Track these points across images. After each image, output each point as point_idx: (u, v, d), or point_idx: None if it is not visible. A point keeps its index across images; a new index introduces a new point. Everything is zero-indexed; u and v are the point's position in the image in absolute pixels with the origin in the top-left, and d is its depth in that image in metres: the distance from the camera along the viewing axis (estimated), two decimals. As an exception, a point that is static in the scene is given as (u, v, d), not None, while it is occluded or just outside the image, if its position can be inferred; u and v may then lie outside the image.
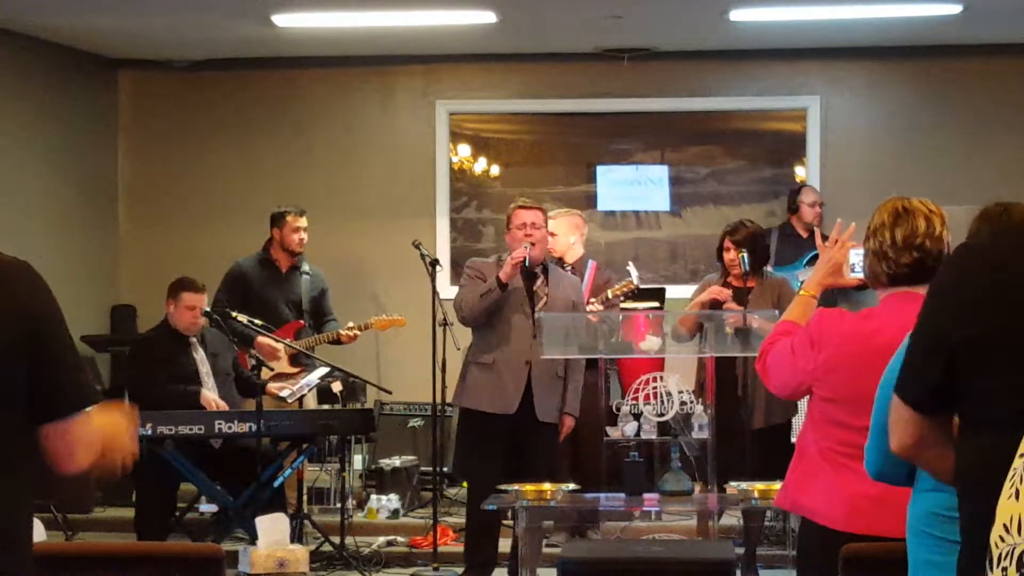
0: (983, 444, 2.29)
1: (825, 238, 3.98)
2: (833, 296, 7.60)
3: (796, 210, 9.24)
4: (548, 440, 6.91)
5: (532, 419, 6.80)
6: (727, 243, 7.26)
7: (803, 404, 8.01)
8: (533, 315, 6.83)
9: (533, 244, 6.85)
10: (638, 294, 7.65)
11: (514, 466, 6.76)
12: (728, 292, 7.00)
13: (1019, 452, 1.89)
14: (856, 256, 3.81)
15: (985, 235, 3.05)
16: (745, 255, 7.40)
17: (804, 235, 9.14)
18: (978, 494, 2.29)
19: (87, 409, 2.68)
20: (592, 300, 7.43)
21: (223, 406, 7.52)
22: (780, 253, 9.04)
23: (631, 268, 7.70)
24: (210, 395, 7.54)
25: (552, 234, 7.80)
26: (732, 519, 7.45)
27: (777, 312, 6.44)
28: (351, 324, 8.38)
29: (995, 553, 1.86)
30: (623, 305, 7.92)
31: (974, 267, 2.36)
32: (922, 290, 3.52)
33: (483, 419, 6.91)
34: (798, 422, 7.46)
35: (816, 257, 9.29)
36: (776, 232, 9.24)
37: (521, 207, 7.04)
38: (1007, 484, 1.89)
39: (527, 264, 6.84)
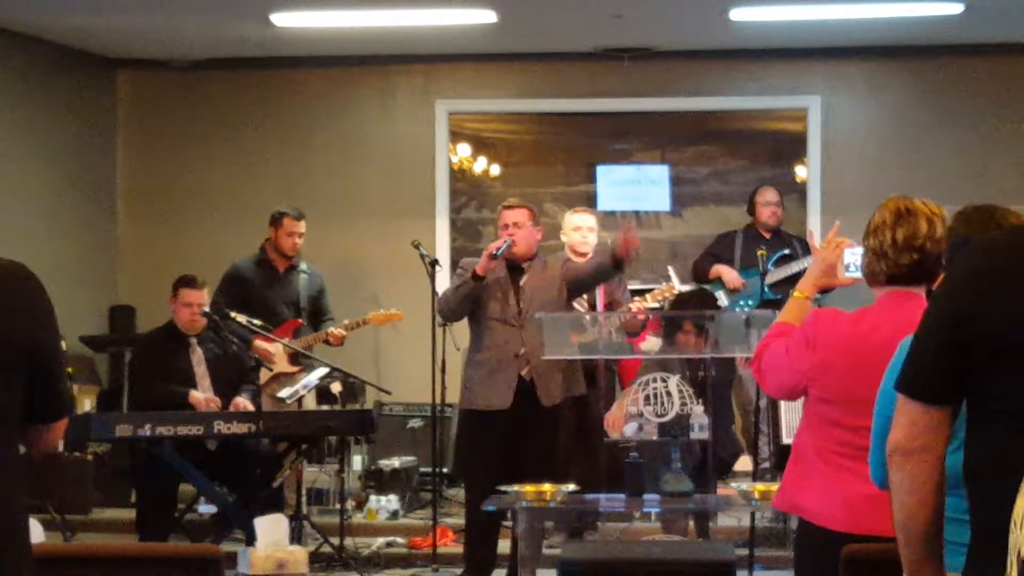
0: (997, 437, 2.25)
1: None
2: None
3: (754, 212, 9.14)
4: (546, 427, 6.89)
5: (532, 409, 6.80)
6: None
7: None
8: (520, 308, 6.88)
9: (514, 241, 6.90)
10: (680, 298, 7.54)
11: (512, 463, 6.78)
12: None
13: None
14: (852, 255, 3.80)
15: (997, 232, 3.00)
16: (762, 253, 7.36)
17: (767, 236, 9.05)
18: (991, 484, 2.26)
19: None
20: (634, 302, 7.42)
21: (215, 402, 7.51)
22: (745, 257, 8.95)
23: (672, 272, 7.60)
24: (199, 395, 7.54)
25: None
26: (732, 520, 7.43)
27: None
28: (346, 322, 8.35)
29: (1011, 557, 1.85)
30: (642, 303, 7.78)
31: (990, 261, 2.30)
32: (919, 290, 3.52)
33: (480, 418, 6.96)
34: None
35: (782, 258, 9.25)
36: (740, 235, 9.15)
37: (506, 207, 7.13)
38: None
39: (500, 256, 6.87)
